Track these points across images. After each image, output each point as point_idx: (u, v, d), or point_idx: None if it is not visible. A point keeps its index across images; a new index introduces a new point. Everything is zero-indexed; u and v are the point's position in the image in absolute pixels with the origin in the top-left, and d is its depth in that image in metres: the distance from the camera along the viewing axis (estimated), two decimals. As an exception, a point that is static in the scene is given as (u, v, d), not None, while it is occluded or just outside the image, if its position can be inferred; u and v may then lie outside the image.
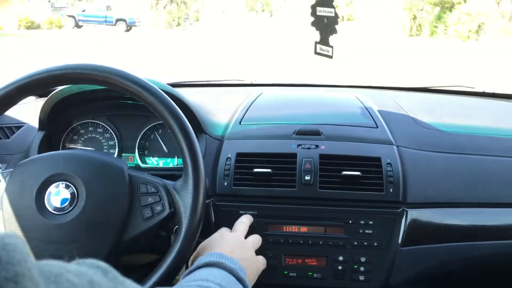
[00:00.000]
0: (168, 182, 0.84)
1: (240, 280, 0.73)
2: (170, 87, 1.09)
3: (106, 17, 23.52)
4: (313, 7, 0.79)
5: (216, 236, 0.90)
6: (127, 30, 23.24)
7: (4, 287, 0.23)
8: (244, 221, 0.96)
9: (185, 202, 0.79)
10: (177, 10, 28.60)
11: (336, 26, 0.81)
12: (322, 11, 0.79)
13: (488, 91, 1.55)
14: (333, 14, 0.78)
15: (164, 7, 28.40)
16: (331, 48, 0.84)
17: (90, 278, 0.29)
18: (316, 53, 0.85)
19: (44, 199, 0.78)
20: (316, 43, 0.85)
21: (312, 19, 0.83)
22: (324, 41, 0.84)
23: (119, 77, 0.79)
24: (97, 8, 24.14)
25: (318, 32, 0.83)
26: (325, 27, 0.82)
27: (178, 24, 28.86)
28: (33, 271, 0.25)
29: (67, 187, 0.78)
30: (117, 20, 23.36)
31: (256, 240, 0.94)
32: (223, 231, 0.94)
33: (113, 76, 0.79)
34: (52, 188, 0.79)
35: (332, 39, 0.83)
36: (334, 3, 0.76)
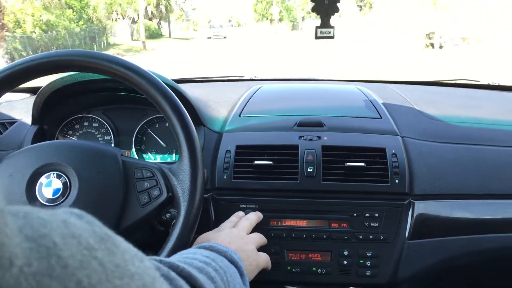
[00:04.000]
0: (164, 165, 0.80)
1: (233, 262, 0.67)
2: (168, 79, 1.06)
3: None
4: (312, -12, 0.76)
5: (214, 230, 0.86)
6: None
7: None
8: (250, 218, 0.91)
9: (183, 184, 0.76)
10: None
11: (337, 3, 0.78)
12: (322, -9, 0.75)
13: (493, 83, 1.52)
14: (334, -8, 0.75)
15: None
16: (332, 29, 0.81)
17: (63, 218, 0.27)
18: (317, 37, 0.82)
19: (35, 191, 0.75)
20: (316, 28, 0.82)
21: (312, 4, 0.80)
22: (325, 23, 0.80)
23: (115, 64, 0.75)
24: None
25: (319, 16, 0.80)
26: (327, 8, 0.78)
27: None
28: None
29: (58, 177, 0.75)
30: None
31: (258, 237, 0.89)
32: (223, 225, 0.90)
33: (110, 64, 0.76)
34: (42, 179, 0.75)
35: (333, 19, 0.79)
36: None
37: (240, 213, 0.94)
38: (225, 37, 32.07)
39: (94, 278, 0.24)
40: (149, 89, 0.75)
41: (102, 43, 20.09)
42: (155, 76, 0.77)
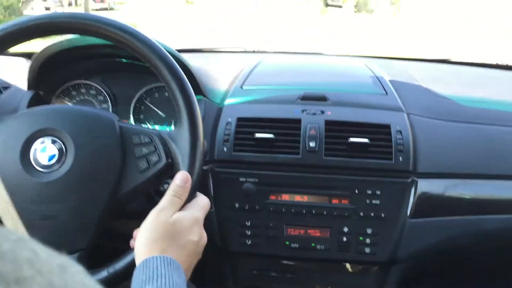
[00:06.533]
0: (163, 131, 0.78)
1: None
2: (170, 47, 1.02)
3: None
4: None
5: (172, 221, 0.67)
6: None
7: None
8: (204, 207, 0.74)
9: (182, 150, 0.74)
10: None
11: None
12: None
13: (501, 63, 1.49)
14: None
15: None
16: (340, -1, 0.78)
17: None
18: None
19: (30, 157, 0.73)
20: (326, -5, 0.79)
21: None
22: (335, -8, 0.77)
23: (112, 27, 0.72)
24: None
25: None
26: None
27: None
28: None
29: (53, 142, 0.72)
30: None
31: (204, 235, 0.72)
32: (181, 215, 0.69)
33: (106, 26, 0.72)
34: (37, 145, 0.73)
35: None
36: None
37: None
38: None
39: None
40: (147, 53, 0.72)
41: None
42: (154, 41, 0.74)
